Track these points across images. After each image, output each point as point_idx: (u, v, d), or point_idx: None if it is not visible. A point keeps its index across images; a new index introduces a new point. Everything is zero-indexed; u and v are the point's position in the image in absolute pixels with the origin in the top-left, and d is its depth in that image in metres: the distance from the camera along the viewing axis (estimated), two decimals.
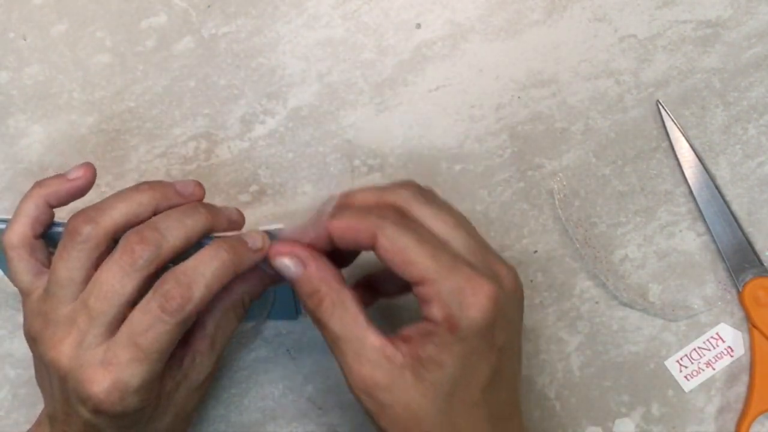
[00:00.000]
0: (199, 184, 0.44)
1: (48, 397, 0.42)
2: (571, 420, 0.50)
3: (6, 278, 0.50)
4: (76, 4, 0.53)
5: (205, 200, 0.50)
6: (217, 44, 0.52)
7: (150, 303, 0.38)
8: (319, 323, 0.40)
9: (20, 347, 0.52)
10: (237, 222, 0.43)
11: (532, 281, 0.51)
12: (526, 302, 0.51)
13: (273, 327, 0.52)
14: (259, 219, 0.52)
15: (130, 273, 0.38)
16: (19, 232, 0.42)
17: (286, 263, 0.40)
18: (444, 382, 0.37)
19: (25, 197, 0.43)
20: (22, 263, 0.42)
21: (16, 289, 0.51)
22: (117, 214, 0.40)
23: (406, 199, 0.40)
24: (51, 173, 0.52)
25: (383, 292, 0.45)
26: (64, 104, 0.53)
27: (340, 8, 0.52)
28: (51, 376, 0.40)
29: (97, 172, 0.53)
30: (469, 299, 0.37)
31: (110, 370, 0.38)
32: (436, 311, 0.37)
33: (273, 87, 0.52)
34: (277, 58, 0.52)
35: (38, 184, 0.43)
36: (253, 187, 0.52)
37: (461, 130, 0.52)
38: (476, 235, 0.40)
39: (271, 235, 0.41)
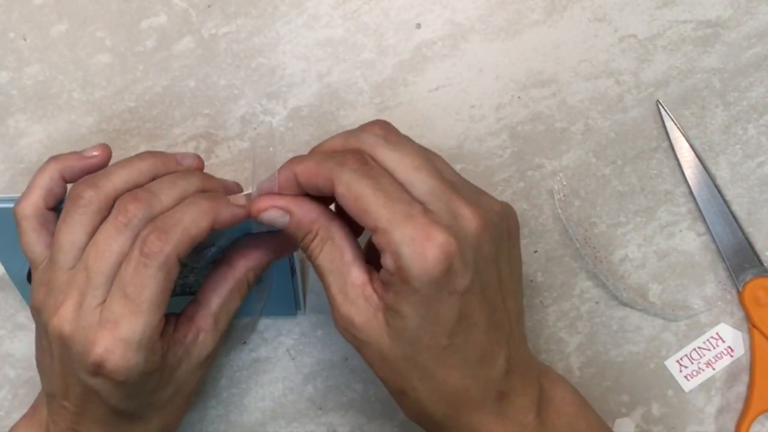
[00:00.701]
0: (199, 157, 0.44)
1: (47, 374, 0.43)
2: None
3: (6, 279, 0.50)
4: (76, 4, 0.53)
5: None
6: (217, 44, 0.52)
7: (132, 251, 0.39)
8: (310, 260, 0.40)
9: (20, 347, 0.52)
10: (234, 192, 0.44)
11: (532, 281, 0.51)
12: (526, 302, 0.51)
13: (273, 327, 0.52)
14: None
15: (124, 231, 0.39)
16: (32, 202, 0.42)
17: (272, 215, 0.40)
18: (406, 330, 0.38)
19: (40, 170, 0.43)
20: (34, 234, 0.42)
21: (15, 289, 0.51)
22: (118, 180, 0.41)
23: (370, 144, 0.39)
24: None
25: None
26: (64, 104, 0.53)
27: (340, 8, 0.52)
28: (52, 346, 0.40)
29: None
30: (418, 250, 0.36)
31: (108, 328, 0.38)
32: (388, 261, 0.37)
33: (273, 87, 0.52)
34: (277, 58, 0.52)
35: (54, 159, 0.43)
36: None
37: (461, 130, 0.52)
38: (444, 175, 0.39)
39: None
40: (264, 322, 0.52)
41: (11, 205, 0.43)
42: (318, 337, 0.52)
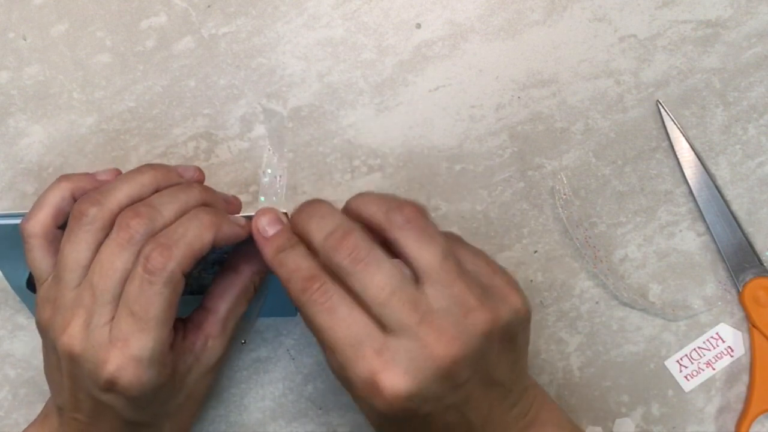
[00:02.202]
0: (200, 170, 0.45)
1: (56, 388, 0.43)
2: None
3: (6, 280, 0.50)
4: (76, 4, 0.53)
5: None
6: (217, 44, 0.52)
7: (136, 268, 0.38)
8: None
9: (20, 347, 0.52)
10: (234, 205, 0.44)
11: (532, 281, 0.51)
12: None
13: (273, 327, 0.52)
14: None
15: (127, 248, 0.39)
16: (41, 220, 0.42)
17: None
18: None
19: (51, 188, 0.43)
20: (41, 252, 0.42)
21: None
22: (121, 195, 0.41)
23: (398, 225, 0.38)
24: (51, 173, 0.52)
25: None
26: (64, 104, 0.53)
27: (340, 8, 0.52)
28: (62, 363, 0.40)
29: None
30: (368, 395, 0.36)
31: (119, 347, 0.38)
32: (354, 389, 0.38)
33: (273, 87, 0.52)
34: (277, 58, 0.52)
35: (65, 178, 0.43)
36: (253, 187, 0.52)
37: (461, 130, 0.52)
38: (459, 275, 0.37)
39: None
40: (264, 322, 0.52)
41: (16, 222, 0.43)
42: None
